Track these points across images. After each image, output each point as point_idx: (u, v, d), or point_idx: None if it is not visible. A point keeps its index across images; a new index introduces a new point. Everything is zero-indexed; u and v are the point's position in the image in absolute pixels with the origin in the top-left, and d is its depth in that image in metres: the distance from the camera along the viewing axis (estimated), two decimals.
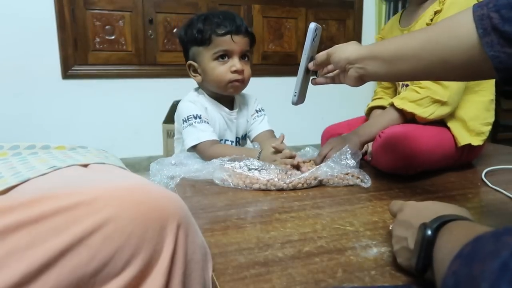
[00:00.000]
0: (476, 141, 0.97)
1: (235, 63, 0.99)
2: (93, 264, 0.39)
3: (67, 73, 2.46)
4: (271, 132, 1.14)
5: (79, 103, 2.52)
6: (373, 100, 1.24)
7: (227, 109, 1.08)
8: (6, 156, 0.58)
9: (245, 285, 0.47)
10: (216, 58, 0.99)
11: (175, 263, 0.43)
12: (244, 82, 1.04)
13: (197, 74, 1.05)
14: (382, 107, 1.14)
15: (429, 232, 0.41)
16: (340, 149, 0.94)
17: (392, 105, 1.01)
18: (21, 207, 0.39)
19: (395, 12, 3.03)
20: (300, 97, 0.85)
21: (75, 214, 0.40)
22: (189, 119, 1.00)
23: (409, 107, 0.96)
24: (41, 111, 2.44)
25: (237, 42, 0.99)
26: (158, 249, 0.42)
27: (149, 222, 0.42)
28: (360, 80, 0.73)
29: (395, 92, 1.19)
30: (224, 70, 1.00)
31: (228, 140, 1.10)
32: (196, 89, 1.10)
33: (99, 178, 0.51)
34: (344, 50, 0.74)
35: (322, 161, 0.94)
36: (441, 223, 0.42)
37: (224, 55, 1.00)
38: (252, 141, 1.15)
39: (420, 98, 0.96)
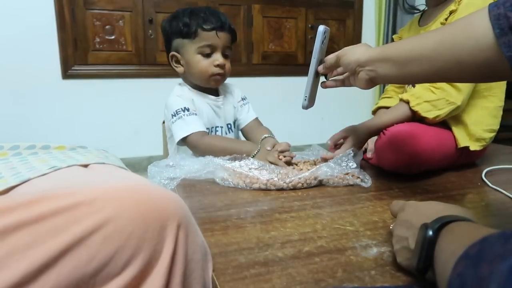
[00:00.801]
0: (474, 146, 0.96)
1: (218, 57, 1.05)
2: (93, 264, 0.39)
3: (67, 73, 2.46)
4: (257, 121, 1.18)
5: (79, 103, 2.52)
6: (382, 98, 1.23)
7: (212, 97, 1.11)
8: (6, 156, 0.58)
9: (245, 285, 0.47)
10: (200, 52, 1.04)
11: (175, 263, 0.43)
12: (224, 76, 1.09)
13: (179, 65, 1.09)
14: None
15: (430, 233, 0.41)
16: (354, 139, 0.94)
17: (403, 100, 0.98)
18: (21, 207, 0.39)
19: (395, 15, 3.02)
20: (310, 101, 0.84)
21: (75, 214, 0.40)
22: (178, 113, 1.03)
23: (424, 108, 0.94)
24: (41, 111, 2.44)
25: (221, 38, 1.04)
26: (158, 249, 0.42)
27: (149, 222, 0.42)
28: (371, 83, 0.72)
29: None
30: (208, 64, 1.04)
31: (218, 127, 1.12)
32: (180, 84, 1.14)
33: (99, 178, 0.51)
34: (354, 53, 0.73)
35: (334, 146, 0.96)
36: (442, 223, 0.42)
37: (208, 49, 1.04)
38: (241, 130, 1.19)
39: (436, 99, 0.93)
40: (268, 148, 0.96)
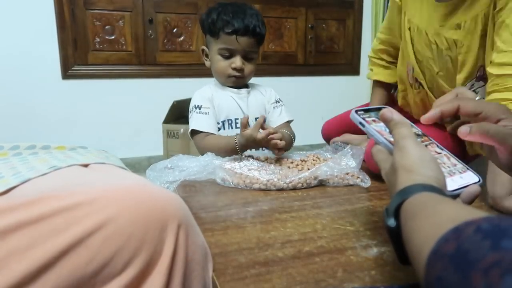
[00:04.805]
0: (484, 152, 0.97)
1: (236, 61, 1.05)
2: (93, 265, 0.39)
3: (67, 73, 2.46)
4: (285, 124, 1.14)
5: (79, 103, 2.51)
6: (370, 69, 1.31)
7: (235, 89, 1.11)
8: (7, 156, 0.58)
9: (245, 285, 0.47)
10: (220, 54, 1.06)
11: (175, 264, 0.43)
12: (243, 77, 1.09)
13: (208, 59, 1.12)
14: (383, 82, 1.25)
15: (391, 222, 0.41)
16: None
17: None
18: (21, 207, 0.39)
19: None
20: None
21: (75, 215, 0.40)
22: (192, 110, 1.07)
23: None
24: (41, 111, 2.44)
25: (241, 43, 1.03)
26: (158, 249, 0.42)
27: (150, 223, 0.42)
28: None
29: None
30: (225, 65, 1.06)
31: (238, 119, 1.09)
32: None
33: (99, 178, 0.51)
34: None
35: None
36: (400, 203, 0.40)
37: (227, 53, 1.05)
38: None
39: None
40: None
